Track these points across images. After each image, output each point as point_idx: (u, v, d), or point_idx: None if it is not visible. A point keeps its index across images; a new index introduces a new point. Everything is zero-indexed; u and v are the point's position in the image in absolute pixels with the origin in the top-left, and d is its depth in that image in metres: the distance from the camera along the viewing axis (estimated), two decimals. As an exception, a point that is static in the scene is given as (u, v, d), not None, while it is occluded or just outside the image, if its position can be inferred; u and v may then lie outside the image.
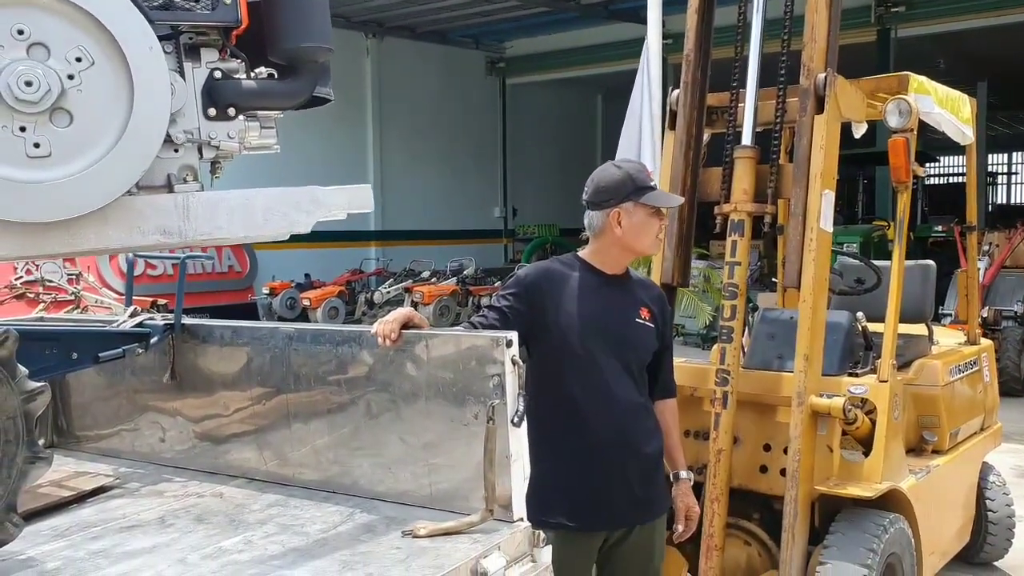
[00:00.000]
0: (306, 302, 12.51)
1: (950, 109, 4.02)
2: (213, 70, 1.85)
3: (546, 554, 2.24)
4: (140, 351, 2.60)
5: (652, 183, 2.71)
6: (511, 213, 21.36)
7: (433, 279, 13.05)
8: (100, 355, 2.51)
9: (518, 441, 2.22)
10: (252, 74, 1.94)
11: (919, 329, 4.41)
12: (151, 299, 11.45)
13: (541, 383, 2.58)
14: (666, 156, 3.87)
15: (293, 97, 1.99)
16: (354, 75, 17.37)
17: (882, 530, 3.33)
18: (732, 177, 3.63)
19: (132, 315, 2.78)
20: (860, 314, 3.73)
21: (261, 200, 1.89)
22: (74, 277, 11.56)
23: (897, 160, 3.59)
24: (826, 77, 3.43)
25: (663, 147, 3.99)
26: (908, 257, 4.81)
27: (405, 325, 2.35)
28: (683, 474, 2.91)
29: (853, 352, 3.76)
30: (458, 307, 12.21)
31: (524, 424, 2.22)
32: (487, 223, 20.58)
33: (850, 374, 3.64)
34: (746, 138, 3.65)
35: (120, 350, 2.56)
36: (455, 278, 12.97)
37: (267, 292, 12.95)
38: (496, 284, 13.06)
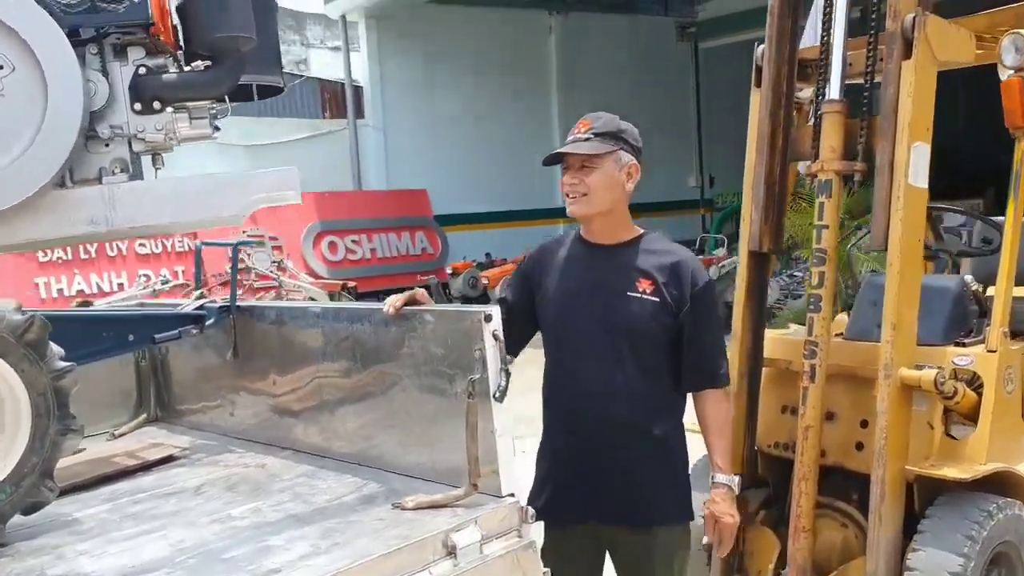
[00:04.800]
0: (485, 281, 12.84)
1: (1092, 41, 3.52)
2: (139, 67, 1.97)
3: (535, 530, 2.22)
4: (195, 332, 2.81)
5: (569, 138, 2.48)
6: (708, 182, 20.79)
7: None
8: (156, 336, 2.74)
9: (504, 416, 2.21)
10: (189, 68, 2.05)
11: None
12: (342, 282, 12.20)
13: (544, 362, 2.54)
14: (752, 115, 3.66)
15: (217, 87, 2.08)
16: (536, 54, 17.52)
17: (986, 516, 3.02)
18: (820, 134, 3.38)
19: (199, 298, 3.00)
20: (969, 277, 3.36)
21: (188, 187, 1.99)
22: (277, 264, 12.53)
23: (1011, 103, 3.20)
24: (915, 18, 3.11)
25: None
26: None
27: (411, 303, 2.40)
28: (719, 477, 2.53)
29: (965, 320, 3.40)
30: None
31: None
32: (682, 193, 20.14)
33: (956, 344, 3.30)
34: (833, 91, 3.36)
35: (176, 332, 2.78)
36: (634, 251, 12.82)
37: (450, 272, 13.41)
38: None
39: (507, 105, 16.62)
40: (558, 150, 2.46)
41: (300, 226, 14.26)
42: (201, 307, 2.89)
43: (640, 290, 2.47)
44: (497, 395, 2.17)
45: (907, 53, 3.14)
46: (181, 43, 2.03)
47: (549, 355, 2.53)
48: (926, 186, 3.17)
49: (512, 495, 2.23)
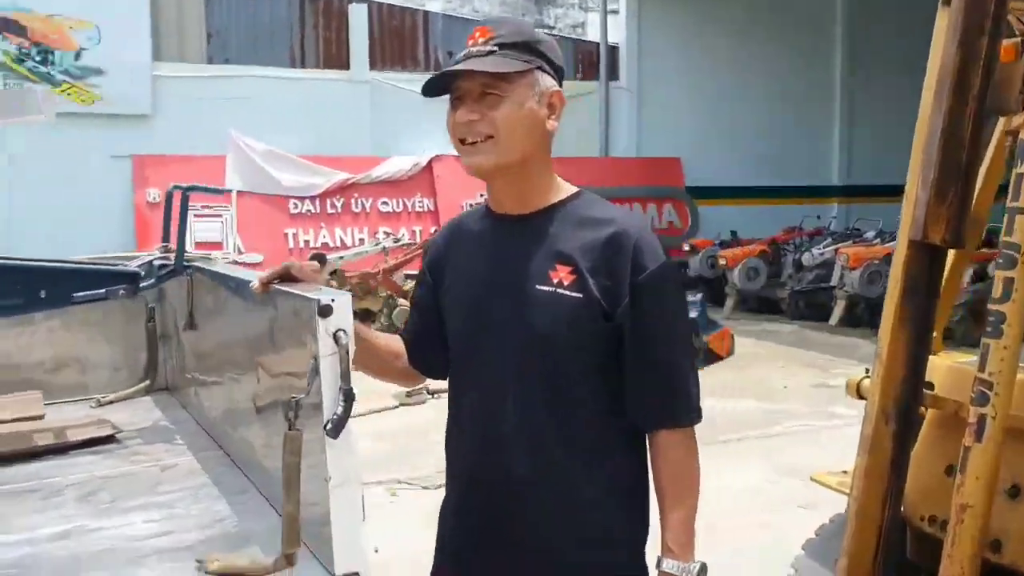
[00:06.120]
0: (723, 261, 11.63)
1: None
2: None
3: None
4: (122, 292, 2.32)
5: (461, 53, 1.59)
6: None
7: (877, 241, 11.26)
8: (75, 295, 2.29)
9: (346, 458, 1.49)
10: None
11: None
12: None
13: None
14: (934, 46, 2.55)
15: None
16: (818, 21, 15.70)
17: None
18: (1033, 73, 2.25)
19: (164, 251, 2.53)
20: None
21: None
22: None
23: None
24: None
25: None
26: None
27: (286, 279, 1.73)
28: (667, 565, 1.61)
29: None
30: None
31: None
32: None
33: None
34: (1057, 7, 2.22)
35: (102, 291, 2.31)
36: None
37: (688, 248, 12.33)
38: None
39: (778, 75, 15.07)
40: (447, 68, 1.61)
41: (542, 192, 13.85)
42: (148, 264, 2.40)
43: (554, 281, 1.60)
44: (328, 428, 1.45)
45: None
46: None
47: (451, 375, 1.75)
48: None
49: (356, 575, 1.51)
